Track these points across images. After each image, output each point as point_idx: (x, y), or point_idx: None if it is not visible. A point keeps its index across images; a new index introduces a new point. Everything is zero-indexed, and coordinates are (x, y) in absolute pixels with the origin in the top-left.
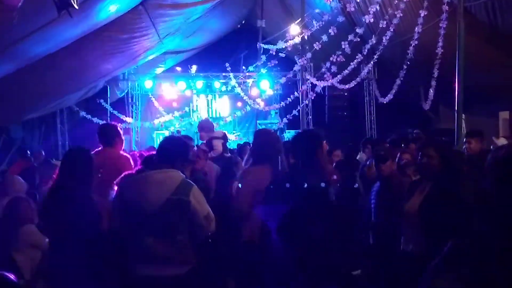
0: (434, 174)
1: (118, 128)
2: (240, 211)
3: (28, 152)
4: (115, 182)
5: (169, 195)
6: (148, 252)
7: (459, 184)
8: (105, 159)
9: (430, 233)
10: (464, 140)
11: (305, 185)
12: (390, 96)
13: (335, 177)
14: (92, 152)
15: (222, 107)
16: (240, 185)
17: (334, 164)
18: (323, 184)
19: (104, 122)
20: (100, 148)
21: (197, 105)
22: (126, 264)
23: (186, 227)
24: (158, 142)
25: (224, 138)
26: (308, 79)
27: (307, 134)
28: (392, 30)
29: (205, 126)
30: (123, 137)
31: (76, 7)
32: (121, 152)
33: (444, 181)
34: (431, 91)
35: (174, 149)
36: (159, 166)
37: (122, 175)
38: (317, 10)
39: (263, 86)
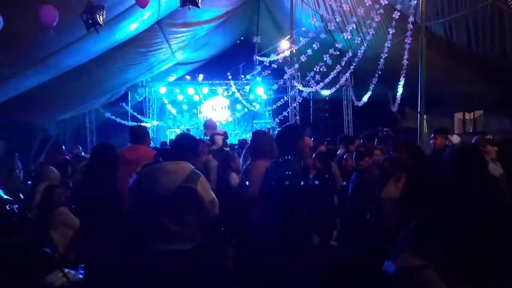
0: (406, 166)
1: (147, 129)
2: (253, 197)
3: (63, 147)
4: (135, 171)
5: (180, 182)
6: (162, 230)
7: (427, 173)
8: (139, 154)
9: (407, 216)
10: (432, 136)
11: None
12: (364, 100)
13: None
14: (126, 148)
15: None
16: (248, 178)
17: (315, 154)
18: (317, 182)
19: (135, 124)
20: (132, 145)
21: (202, 108)
22: (142, 239)
23: (193, 209)
24: (171, 138)
25: (224, 134)
26: (296, 86)
27: (289, 127)
28: (365, 45)
29: (209, 125)
30: (150, 136)
31: (103, 25)
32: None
33: (416, 171)
34: (398, 96)
35: (186, 145)
36: (173, 158)
37: (142, 165)
38: (303, 28)
39: (258, 92)
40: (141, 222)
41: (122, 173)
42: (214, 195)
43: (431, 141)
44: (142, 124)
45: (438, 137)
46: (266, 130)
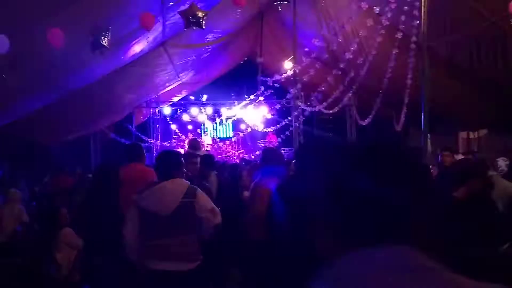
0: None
1: (142, 147)
2: (258, 216)
3: (67, 169)
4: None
5: (180, 199)
6: (163, 251)
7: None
8: (135, 174)
9: None
10: (440, 154)
11: None
12: (368, 120)
13: None
14: (121, 167)
15: (227, 129)
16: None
17: None
18: None
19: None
20: (128, 163)
21: (207, 128)
22: (141, 260)
23: (195, 226)
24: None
25: (202, 158)
26: (299, 106)
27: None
28: (368, 65)
29: (192, 144)
30: (145, 154)
31: (108, 47)
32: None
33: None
34: (402, 115)
35: (172, 162)
36: (166, 177)
37: (139, 189)
38: (306, 49)
39: (261, 112)
40: (140, 243)
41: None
42: (213, 205)
43: (440, 158)
44: (141, 143)
45: (448, 154)
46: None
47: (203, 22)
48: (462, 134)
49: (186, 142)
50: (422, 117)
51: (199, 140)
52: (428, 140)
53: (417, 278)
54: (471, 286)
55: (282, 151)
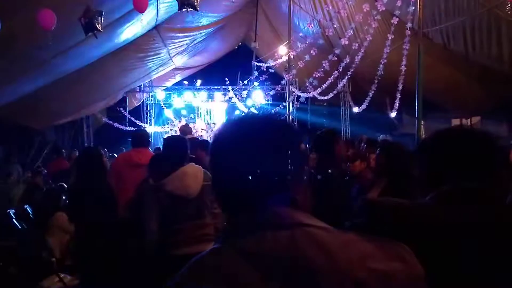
0: (383, 171)
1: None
2: None
3: (64, 152)
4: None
5: (202, 181)
6: (185, 235)
7: (405, 179)
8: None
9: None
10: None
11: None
12: (363, 106)
13: None
14: (130, 151)
15: (220, 114)
16: None
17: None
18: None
19: (132, 129)
20: (138, 148)
21: (200, 113)
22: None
23: (209, 210)
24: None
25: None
26: (294, 92)
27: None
28: (363, 51)
29: (184, 130)
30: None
31: (101, 30)
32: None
33: (392, 177)
34: (396, 101)
35: (181, 147)
36: (181, 163)
37: (155, 175)
38: (301, 34)
39: (256, 97)
40: (160, 229)
41: (133, 176)
42: None
43: None
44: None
45: None
46: None
47: (197, 3)
48: (455, 121)
49: (179, 128)
50: (416, 103)
51: (193, 124)
52: (422, 127)
53: (292, 232)
54: (335, 235)
55: None
